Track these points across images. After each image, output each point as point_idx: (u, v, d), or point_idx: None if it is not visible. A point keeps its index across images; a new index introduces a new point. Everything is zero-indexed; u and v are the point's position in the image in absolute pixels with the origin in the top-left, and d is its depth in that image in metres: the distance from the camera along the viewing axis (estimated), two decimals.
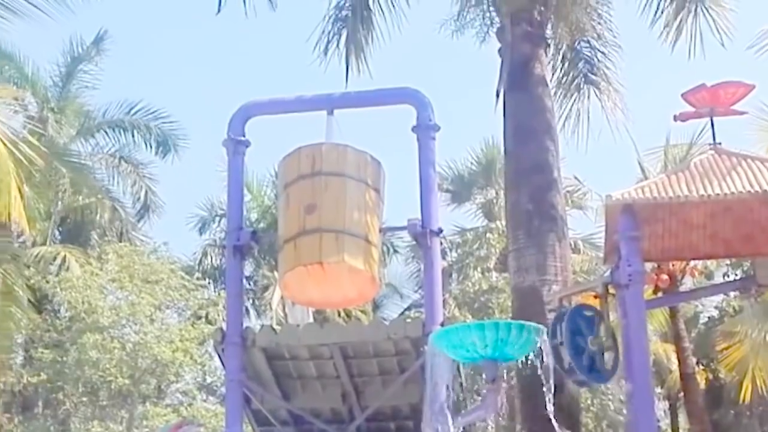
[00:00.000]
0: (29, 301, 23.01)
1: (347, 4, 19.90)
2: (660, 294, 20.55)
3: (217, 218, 35.51)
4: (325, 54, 19.84)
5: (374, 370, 13.63)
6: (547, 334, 10.97)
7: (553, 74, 19.94)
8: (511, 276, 17.32)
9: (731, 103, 14.49)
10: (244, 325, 13.85)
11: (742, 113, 14.81)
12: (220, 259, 33.78)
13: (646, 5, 19.13)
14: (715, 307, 33.77)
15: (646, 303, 14.95)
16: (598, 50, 20.45)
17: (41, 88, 31.19)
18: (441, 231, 13.79)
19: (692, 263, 22.04)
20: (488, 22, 20.47)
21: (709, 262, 25.78)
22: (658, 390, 30.33)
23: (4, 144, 15.11)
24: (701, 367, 29.96)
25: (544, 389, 9.20)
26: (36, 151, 15.81)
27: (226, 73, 59.57)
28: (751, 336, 22.64)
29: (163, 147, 32.27)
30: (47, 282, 27.00)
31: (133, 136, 32.25)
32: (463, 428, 13.03)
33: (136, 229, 32.97)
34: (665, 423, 32.38)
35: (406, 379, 12.98)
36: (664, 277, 20.67)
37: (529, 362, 9.06)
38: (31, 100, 30.88)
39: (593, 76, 20.41)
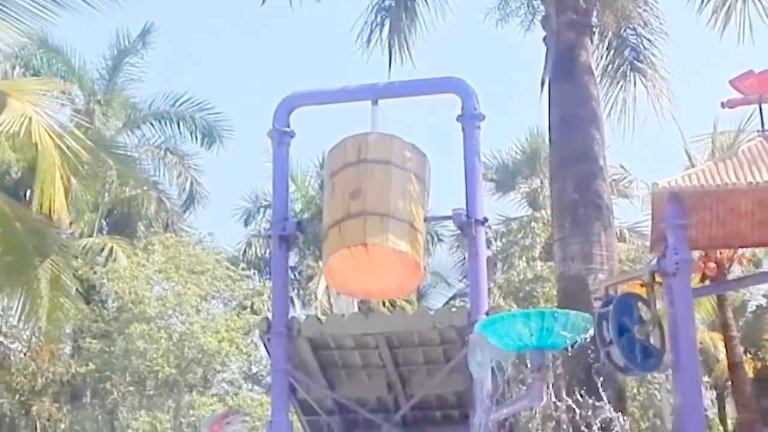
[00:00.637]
0: (77, 291, 23.23)
1: None
2: (707, 282, 20.36)
3: (262, 209, 35.65)
4: (368, 44, 19.86)
5: (419, 360, 13.65)
6: (593, 323, 10.94)
7: (598, 62, 19.81)
8: (557, 265, 17.26)
9: None
10: (290, 315, 13.92)
11: None
12: (265, 250, 33.93)
13: None
14: (764, 295, 33.48)
15: (694, 291, 14.82)
16: (645, 37, 20.28)
17: (88, 81, 31.45)
18: (486, 220, 13.79)
19: (740, 251, 21.84)
20: (533, 11, 20.40)
21: (757, 250, 25.54)
22: (706, 379, 30.08)
23: (51, 137, 15.25)
24: (749, 355, 29.68)
25: (593, 378, 9.16)
26: (82, 144, 15.93)
27: (270, 64, 59.79)
28: None
29: (208, 138, 32.42)
30: (95, 273, 27.25)
31: (178, 127, 32.43)
32: (508, 417, 13.03)
33: (181, 220, 33.17)
34: (713, 412, 32.15)
35: (451, 368, 12.99)
36: (712, 265, 20.46)
37: (575, 351, 9.03)
38: (78, 93, 31.16)
39: (639, 64, 20.24)
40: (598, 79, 19.06)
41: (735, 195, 13.50)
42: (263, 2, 19.87)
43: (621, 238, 28.76)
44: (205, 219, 40.63)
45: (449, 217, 13.75)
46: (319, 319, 14.07)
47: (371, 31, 19.89)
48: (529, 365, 9.17)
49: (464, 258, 31.10)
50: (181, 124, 32.34)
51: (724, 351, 25.41)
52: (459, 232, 14.50)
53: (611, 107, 20.34)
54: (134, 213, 31.84)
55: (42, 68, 29.97)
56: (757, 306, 33.97)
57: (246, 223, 36.88)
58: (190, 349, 26.64)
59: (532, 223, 32.17)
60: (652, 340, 13.52)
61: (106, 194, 30.53)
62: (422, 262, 13.39)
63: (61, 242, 19.14)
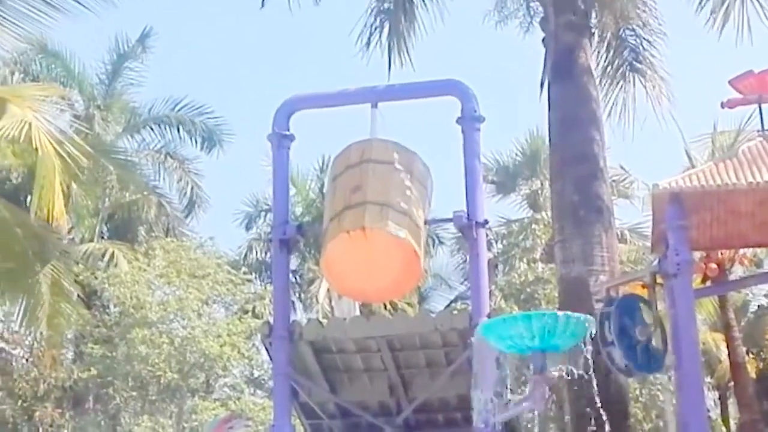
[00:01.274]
0: (78, 297, 23.22)
1: None
2: (709, 283, 20.35)
3: (263, 213, 35.66)
4: (368, 47, 19.88)
5: (421, 363, 13.63)
6: (595, 324, 10.93)
7: (597, 63, 19.80)
8: (558, 267, 17.25)
9: None
10: (291, 318, 13.90)
11: None
12: (266, 253, 33.92)
13: None
14: (765, 296, 33.49)
15: (695, 292, 14.82)
16: (643, 38, 20.29)
17: (88, 86, 31.48)
18: (486, 222, 13.77)
19: (741, 251, 21.83)
20: (531, 12, 20.41)
21: (758, 250, 25.55)
22: (708, 380, 30.08)
23: (50, 142, 15.25)
24: (751, 356, 29.66)
25: (593, 379, 9.14)
26: (81, 150, 15.93)
27: (270, 68, 59.79)
28: None
29: (208, 142, 32.44)
30: (96, 278, 27.26)
31: (178, 131, 32.46)
32: (511, 419, 13.02)
33: (182, 225, 33.18)
34: (715, 413, 32.13)
35: (453, 371, 12.96)
36: (713, 266, 20.44)
37: (576, 353, 9.02)
38: (78, 98, 31.20)
39: (638, 64, 20.25)
40: (597, 80, 19.05)
41: (735, 195, 13.49)
42: (263, 5, 19.91)
43: (622, 239, 28.76)
44: (206, 223, 40.62)
45: (450, 220, 13.73)
46: (320, 322, 14.05)
47: (370, 34, 19.92)
48: (531, 368, 9.17)
49: (465, 260, 31.11)
50: (181, 128, 32.36)
51: (726, 352, 25.38)
52: (460, 234, 14.49)
53: (611, 108, 20.37)
54: (135, 218, 31.85)
55: (41, 73, 29.99)
56: (758, 306, 33.96)
57: (247, 227, 36.93)
58: (191, 354, 26.64)
59: (533, 225, 32.18)
60: (653, 342, 13.51)
61: (107, 199, 30.56)
62: (422, 258, 13.27)
63: (62, 248, 19.14)
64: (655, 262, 13.47)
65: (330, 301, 27.84)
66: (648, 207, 18.19)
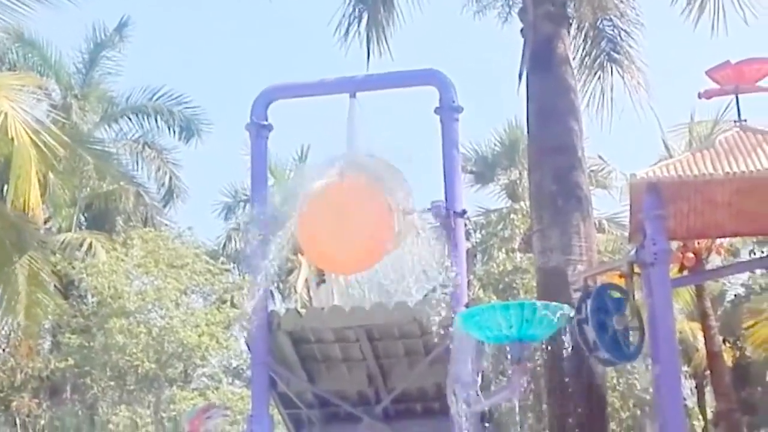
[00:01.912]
0: (56, 287, 23.10)
1: None
2: (686, 272, 20.47)
3: (242, 203, 35.59)
4: (346, 37, 19.85)
5: (400, 352, 13.64)
6: (573, 314, 10.96)
7: (575, 54, 19.84)
8: (536, 256, 17.29)
9: (756, 80, 14.38)
10: (270, 308, 13.88)
11: (767, 90, 14.68)
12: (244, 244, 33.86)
13: None
14: (742, 285, 33.67)
15: (672, 282, 14.88)
16: (621, 29, 20.31)
17: (65, 75, 31.32)
18: (465, 212, 13.77)
19: (718, 241, 21.94)
20: (510, 3, 20.40)
21: (735, 240, 25.66)
22: (685, 369, 30.24)
23: (27, 132, 15.18)
24: (728, 345, 29.88)
25: (569, 368, 9.19)
26: (58, 140, 15.87)
27: (248, 58, 59.60)
28: None
29: (186, 132, 32.33)
30: (73, 268, 27.17)
31: (156, 121, 32.34)
32: (489, 409, 13.06)
33: (160, 215, 33.10)
34: (692, 401, 32.32)
35: (431, 360, 12.98)
36: (690, 255, 20.57)
37: (554, 342, 9.07)
38: (55, 88, 31.04)
39: (616, 55, 20.28)
40: (575, 71, 19.10)
41: (712, 185, 13.54)
42: None
43: (600, 228, 28.85)
44: (184, 213, 40.54)
45: (428, 210, 13.74)
46: (298, 312, 14.03)
47: (349, 24, 19.90)
48: (509, 357, 9.20)
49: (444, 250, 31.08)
50: (158, 118, 32.24)
51: (703, 341, 25.54)
52: (438, 224, 14.48)
53: (589, 98, 20.40)
54: (112, 208, 31.73)
55: (18, 62, 29.80)
56: (735, 295, 34.16)
57: (226, 218, 36.86)
58: (170, 344, 26.60)
59: (512, 215, 32.22)
60: (631, 331, 13.57)
61: (84, 189, 30.41)
62: (397, 220, 13.10)
63: (39, 238, 19.07)
64: (633, 252, 13.52)
65: (308, 291, 27.80)
66: (626, 197, 18.26)
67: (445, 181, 13.43)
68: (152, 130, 32.59)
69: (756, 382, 31.86)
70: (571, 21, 19.06)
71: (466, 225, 16.55)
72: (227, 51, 59.19)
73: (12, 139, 15.06)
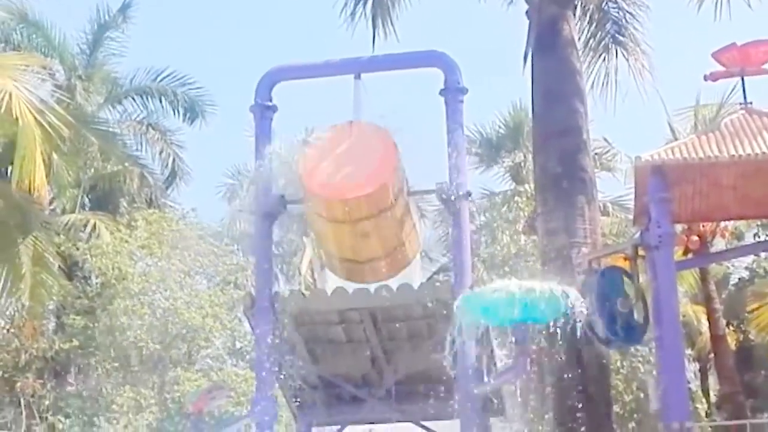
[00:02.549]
0: (60, 268, 23.15)
1: None
2: (690, 255, 20.43)
3: (245, 185, 35.55)
4: (352, 18, 19.78)
5: (403, 334, 13.66)
6: (576, 297, 10.96)
7: (580, 36, 19.76)
8: (540, 239, 17.27)
9: (762, 62, 14.34)
10: (274, 290, 13.89)
11: None
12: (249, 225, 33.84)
13: None
14: (746, 268, 33.59)
15: (676, 264, 14.88)
16: (626, 11, 20.26)
17: (69, 56, 31.22)
18: (470, 194, 13.78)
19: (722, 224, 21.92)
20: None
21: (739, 223, 25.63)
22: (689, 352, 30.21)
23: (31, 113, 15.16)
24: (732, 328, 29.82)
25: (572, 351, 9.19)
26: (63, 120, 15.86)
27: (253, 39, 59.47)
28: None
29: (190, 113, 32.24)
30: (77, 249, 27.16)
31: (160, 102, 32.24)
32: (492, 391, 13.07)
33: (164, 196, 33.02)
34: (695, 385, 32.29)
35: (435, 342, 12.99)
36: (694, 238, 20.53)
37: (558, 325, 9.07)
38: (59, 68, 30.93)
39: (621, 37, 20.21)
40: (580, 53, 19.03)
41: (717, 168, 13.52)
42: None
43: (604, 211, 28.78)
44: (188, 194, 40.55)
45: (433, 191, 13.74)
46: (302, 294, 14.05)
47: (355, 5, 19.82)
48: (513, 339, 9.21)
49: (448, 233, 31.09)
50: (163, 99, 32.14)
51: (707, 324, 25.53)
52: (442, 206, 14.47)
53: (594, 81, 20.31)
54: (117, 189, 31.66)
55: (22, 43, 29.75)
56: (739, 279, 34.08)
57: (229, 200, 36.82)
58: (174, 325, 26.62)
59: (516, 197, 32.11)
60: (635, 314, 13.57)
61: (89, 170, 30.38)
62: (400, 170, 13.25)
63: (43, 219, 19.08)
64: (637, 235, 13.52)
65: (312, 273, 27.81)
66: (630, 180, 18.21)
67: (449, 163, 13.42)
68: (156, 112, 32.50)
69: (760, 365, 31.82)
70: (576, 3, 19.00)
71: (470, 207, 16.51)
72: (231, 33, 59.13)
73: (16, 119, 15.03)
